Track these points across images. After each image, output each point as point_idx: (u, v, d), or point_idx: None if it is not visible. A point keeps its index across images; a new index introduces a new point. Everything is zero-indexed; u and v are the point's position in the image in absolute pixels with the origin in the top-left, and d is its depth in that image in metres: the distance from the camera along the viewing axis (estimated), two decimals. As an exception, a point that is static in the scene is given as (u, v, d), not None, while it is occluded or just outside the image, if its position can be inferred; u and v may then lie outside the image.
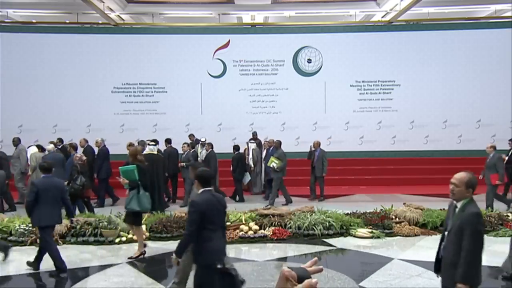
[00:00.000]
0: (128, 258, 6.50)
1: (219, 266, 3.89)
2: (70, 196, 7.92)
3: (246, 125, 14.48)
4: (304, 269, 1.23)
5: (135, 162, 6.75)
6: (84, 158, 8.23)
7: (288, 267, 1.23)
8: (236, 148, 11.71)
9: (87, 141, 11.25)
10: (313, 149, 11.57)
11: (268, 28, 15.34)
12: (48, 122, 14.03)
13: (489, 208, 8.98)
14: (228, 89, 14.46)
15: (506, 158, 10.98)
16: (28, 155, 10.77)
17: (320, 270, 1.27)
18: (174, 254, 4.06)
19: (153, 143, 10.02)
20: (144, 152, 9.76)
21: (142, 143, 10.94)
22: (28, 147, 11.22)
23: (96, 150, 11.04)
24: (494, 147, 9.55)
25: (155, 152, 9.84)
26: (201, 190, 4.07)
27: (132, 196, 6.48)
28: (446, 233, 3.55)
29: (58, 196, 5.91)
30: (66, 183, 8.08)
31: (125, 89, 14.44)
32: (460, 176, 3.47)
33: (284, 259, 6.61)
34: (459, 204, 3.45)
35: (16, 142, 11.09)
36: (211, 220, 3.95)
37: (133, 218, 6.59)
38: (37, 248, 6.94)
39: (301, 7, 15.34)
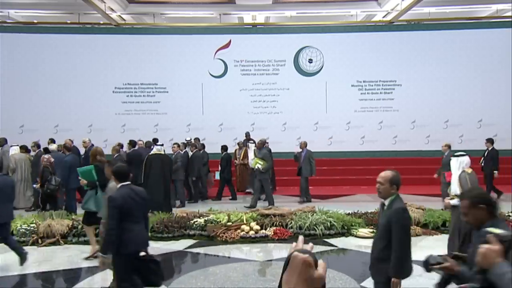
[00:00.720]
0: (84, 258, 6.50)
1: (142, 254, 4.17)
2: (47, 196, 7.97)
3: (247, 125, 14.47)
4: (310, 251, 1.21)
5: (94, 163, 6.75)
6: (52, 160, 8.18)
7: (296, 251, 1.20)
8: (224, 148, 11.77)
9: (91, 141, 11.34)
10: (299, 150, 11.37)
11: (269, 28, 15.34)
12: (49, 122, 14.04)
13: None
14: (229, 89, 14.47)
15: (483, 158, 11.08)
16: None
17: (312, 248, 1.26)
18: (100, 254, 4.22)
19: (160, 143, 10.17)
20: (152, 153, 9.86)
21: (149, 144, 10.95)
22: (11, 147, 11.03)
23: (82, 151, 10.86)
24: (449, 146, 9.98)
25: (162, 152, 9.85)
26: (119, 185, 4.31)
27: (90, 196, 6.48)
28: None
29: (11, 194, 6.28)
30: (38, 185, 8.11)
31: (126, 89, 14.46)
32: (384, 174, 3.53)
33: (285, 259, 6.61)
34: (386, 202, 3.51)
35: (2, 142, 10.96)
36: (131, 213, 4.19)
37: (88, 218, 6.54)
38: (38, 248, 6.97)
39: (302, 7, 15.34)
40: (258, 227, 7.64)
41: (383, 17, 15.68)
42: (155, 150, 9.86)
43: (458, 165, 5.77)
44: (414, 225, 7.85)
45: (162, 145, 10.12)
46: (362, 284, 5.39)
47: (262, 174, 10.22)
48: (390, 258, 3.40)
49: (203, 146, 11.83)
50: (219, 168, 11.61)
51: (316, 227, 7.56)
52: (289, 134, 14.32)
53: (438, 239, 7.43)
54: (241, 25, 16.18)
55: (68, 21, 16.01)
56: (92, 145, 11.04)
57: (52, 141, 11.39)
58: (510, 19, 14.27)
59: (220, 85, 14.48)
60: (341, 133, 14.35)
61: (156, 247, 7.09)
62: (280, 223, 7.78)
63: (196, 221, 7.77)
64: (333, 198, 11.55)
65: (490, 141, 11.43)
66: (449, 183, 9.06)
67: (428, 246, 7.04)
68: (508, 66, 13.94)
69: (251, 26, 15.56)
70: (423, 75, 14.31)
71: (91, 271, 6.13)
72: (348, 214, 8.29)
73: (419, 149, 14.26)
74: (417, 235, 7.55)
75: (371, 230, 7.61)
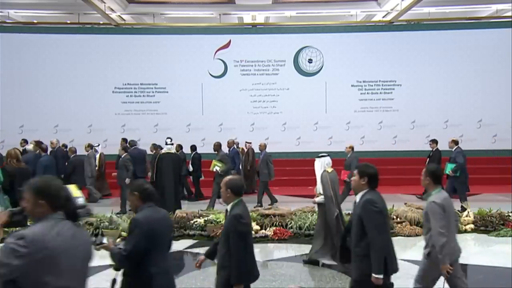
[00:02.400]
0: None
1: None
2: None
3: (247, 125, 14.49)
4: None
5: (8, 165, 6.75)
6: None
7: None
8: (193, 148, 11.69)
9: (59, 142, 11.46)
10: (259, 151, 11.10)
11: (269, 28, 15.34)
12: (49, 122, 14.05)
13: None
14: (229, 89, 14.47)
15: (428, 158, 11.12)
16: None
17: None
18: None
19: (170, 142, 10.10)
20: (162, 151, 9.92)
21: (133, 143, 10.84)
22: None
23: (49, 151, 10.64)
24: (352, 148, 10.06)
25: (173, 151, 9.93)
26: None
27: None
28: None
29: None
30: None
31: (126, 89, 14.46)
32: (224, 179, 3.55)
33: (285, 259, 6.61)
34: (228, 207, 3.52)
35: None
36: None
37: None
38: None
39: (302, 7, 15.34)
40: (258, 227, 7.64)
41: (383, 17, 15.68)
42: (165, 149, 9.93)
43: (321, 165, 5.95)
44: (414, 225, 7.86)
45: (172, 144, 10.16)
46: (362, 284, 5.38)
47: (220, 176, 9.24)
48: (231, 264, 3.40)
49: (180, 147, 11.71)
50: (191, 168, 11.47)
51: (316, 227, 7.55)
52: (289, 134, 14.33)
53: (438, 239, 7.42)
54: (241, 25, 16.18)
55: (68, 21, 16.01)
56: (60, 146, 11.01)
57: (25, 141, 11.30)
58: (510, 19, 14.28)
59: (220, 85, 14.49)
60: (341, 133, 14.35)
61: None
62: (280, 223, 7.78)
63: (196, 221, 7.77)
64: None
65: (434, 141, 11.44)
66: (348, 182, 9.21)
67: (428, 246, 7.04)
68: (508, 66, 13.94)
69: (251, 26, 15.56)
70: (423, 75, 14.32)
71: (91, 271, 6.12)
72: (348, 214, 8.26)
73: (419, 149, 14.24)
74: (417, 235, 7.55)
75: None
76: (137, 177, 9.79)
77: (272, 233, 7.49)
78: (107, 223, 7.52)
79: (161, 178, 9.51)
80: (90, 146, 10.87)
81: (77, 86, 14.20)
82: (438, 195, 3.94)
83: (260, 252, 6.92)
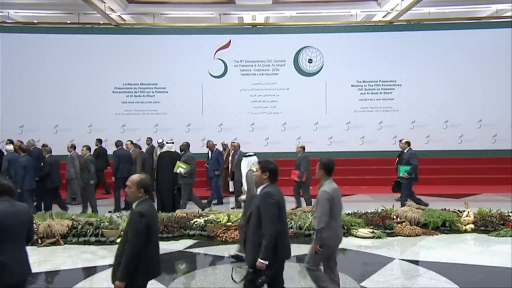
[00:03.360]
0: None
1: None
2: None
3: (247, 125, 14.50)
4: None
5: None
6: None
7: None
8: (161, 146, 11.56)
9: (100, 141, 11.71)
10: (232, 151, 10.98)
11: (269, 28, 15.34)
12: (49, 122, 14.05)
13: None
14: (229, 89, 14.47)
15: (397, 159, 11.15)
16: None
17: None
18: None
19: (171, 141, 10.19)
20: (163, 150, 10.04)
21: (119, 144, 10.84)
22: None
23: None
24: (303, 148, 9.96)
25: (173, 150, 9.99)
26: None
27: None
28: None
29: None
30: None
31: (126, 89, 14.46)
32: (132, 178, 3.57)
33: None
34: (134, 205, 3.55)
35: None
36: None
37: None
38: (38, 248, 6.97)
39: (302, 7, 15.34)
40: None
41: (383, 17, 15.68)
42: (165, 148, 10.01)
43: (247, 165, 6.19)
44: (414, 225, 7.86)
45: (173, 143, 10.19)
46: (362, 284, 5.39)
47: (184, 178, 9.42)
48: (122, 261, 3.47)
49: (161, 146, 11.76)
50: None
51: (316, 227, 7.55)
52: (289, 134, 14.32)
53: (438, 239, 7.43)
54: (241, 25, 16.18)
55: (68, 21, 16.02)
56: (36, 146, 10.97)
57: (10, 141, 11.26)
58: (510, 19, 14.29)
59: (220, 85, 14.49)
60: (341, 133, 14.36)
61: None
62: (280, 223, 7.78)
63: (196, 221, 7.77)
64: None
65: (407, 143, 11.35)
66: (301, 182, 9.43)
67: (428, 246, 7.05)
68: (508, 66, 13.95)
69: (251, 26, 15.56)
70: (423, 75, 14.32)
71: (91, 271, 6.13)
72: (348, 214, 8.28)
73: (419, 149, 14.21)
74: (417, 235, 7.55)
75: (371, 230, 7.61)
76: (124, 176, 9.88)
77: (272, 233, 7.48)
78: (107, 223, 7.52)
79: (161, 176, 9.68)
80: (73, 147, 10.81)
81: (77, 86, 14.20)
82: (329, 185, 4.39)
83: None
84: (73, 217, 7.94)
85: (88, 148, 9.94)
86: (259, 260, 3.73)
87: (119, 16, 15.68)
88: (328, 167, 4.45)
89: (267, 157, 9.98)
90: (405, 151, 9.70)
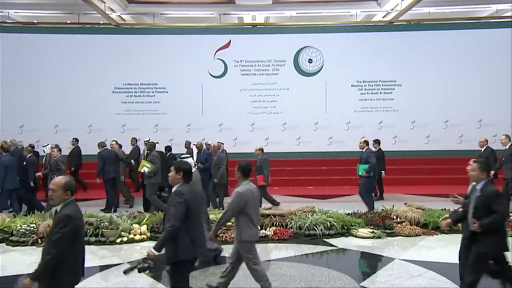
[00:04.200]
0: None
1: None
2: None
3: (247, 125, 14.50)
4: None
5: None
6: None
7: None
8: (168, 149, 11.45)
9: (77, 141, 11.65)
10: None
11: (269, 28, 15.34)
12: (49, 122, 14.06)
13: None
14: (229, 89, 14.47)
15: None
16: None
17: None
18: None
19: (156, 142, 10.30)
20: (157, 150, 10.08)
21: (103, 145, 10.82)
22: None
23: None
24: (261, 149, 9.81)
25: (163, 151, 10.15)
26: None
27: None
28: None
29: None
30: None
31: (126, 89, 14.46)
32: (58, 181, 3.48)
33: (285, 259, 6.60)
34: (58, 208, 3.51)
35: None
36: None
37: None
38: (38, 248, 6.97)
39: (302, 7, 15.34)
40: (258, 227, 7.63)
41: (383, 17, 15.69)
42: (157, 148, 10.12)
43: None
44: (414, 225, 7.86)
45: (158, 142, 10.38)
46: (362, 284, 5.39)
47: (148, 178, 9.24)
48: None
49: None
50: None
51: (316, 227, 7.56)
52: (289, 134, 14.32)
53: (438, 239, 7.43)
54: (241, 25, 16.18)
55: (68, 21, 16.02)
56: (17, 146, 10.95)
57: (5, 142, 11.28)
58: (510, 19, 14.28)
59: (220, 85, 14.49)
60: (341, 133, 14.35)
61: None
62: (280, 223, 7.78)
63: (196, 221, 7.76)
64: (333, 198, 11.55)
65: (377, 142, 11.46)
66: (262, 187, 9.20)
67: (428, 246, 7.04)
68: (508, 66, 13.95)
69: (251, 26, 15.56)
70: (423, 75, 14.32)
71: (92, 271, 6.13)
72: (348, 214, 8.29)
73: (419, 149, 14.26)
74: (417, 235, 7.55)
75: (371, 230, 7.61)
76: (111, 177, 10.04)
77: (272, 233, 7.49)
78: (107, 223, 7.52)
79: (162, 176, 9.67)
80: (56, 147, 10.77)
81: (77, 86, 14.21)
82: (244, 186, 4.71)
83: (260, 252, 6.91)
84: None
85: (60, 150, 9.83)
86: (151, 248, 3.98)
87: (119, 16, 15.69)
88: (245, 170, 4.78)
89: (268, 157, 9.99)
90: (364, 150, 9.71)
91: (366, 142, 9.83)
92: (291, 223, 7.75)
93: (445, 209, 8.57)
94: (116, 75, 14.35)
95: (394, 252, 6.76)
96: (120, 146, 11.78)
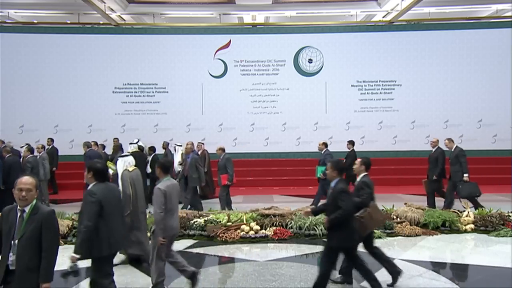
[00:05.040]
0: None
1: None
2: None
3: (247, 125, 14.50)
4: None
5: None
6: None
7: None
8: (153, 149, 11.33)
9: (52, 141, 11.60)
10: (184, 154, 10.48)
11: (269, 28, 15.35)
12: (49, 122, 14.06)
13: (226, 207, 9.25)
14: (229, 89, 14.48)
15: (344, 160, 11.13)
16: None
17: None
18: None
19: (136, 142, 10.45)
20: (131, 150, 10.08)
21: (88, 145, 10.81)
22: None
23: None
24: (222, 149, 9.81)
25: (137, 150, 10.20)
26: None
27: None
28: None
29: None
30: None
31: (126, 89, 14.46)
32: (31, 181, 3.41)
33: (285, 259, 6.60)
34: (26, 209, 3.42)
35: None
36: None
37: None
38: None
39: (302, 7, 15.34)
40: (258, 227, 7.63)
41: (383, 17, 15.69)
42: (133, 147, 10.17)
43: (123, 165, 6.36)
44: (414, 225, 7.86)
45: (137, 142, 10.47)
46: (362, 284, 5.39)
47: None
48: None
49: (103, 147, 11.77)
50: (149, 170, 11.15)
51: (316, 227, 7.55)
52: (289, 134, 14.33)
53: (438, 239, 7.43)
54: (241, 25, 16.18)
55: (68, 21, 16.02)
56: (4, 146, 10.95)
57: (2, 142, 11.28)
58: (510, 19, 14.29)
59: (220, 85, 14.49)
60: (341, 133, 14.35)
61: (156, 247, 7.09)
62: (280, 223, 7.78)
63: (196, 221, 7.77)
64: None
65: (351, 142, 11.47)
66: (225, 186, 9.33)
67: (428, 246, 7.04)
68: (508, 66, 13.96)
69: (251, 26, 15.56)
70: (423, 75, 14.32)
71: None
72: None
73: (419, 149, 14.25)
74: (417, 235, 7.55)
75: (371, 230, 7.60)
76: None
77: (272, 233, 7.48)
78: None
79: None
80: (42, 147, 10.70)
81: (77, 86, 14.21)
82: (164, 182, 4.87)
83: (260, 252, 6.92)
84: (73, 217, 7.94)
85: (29, 150, 9.79)
86: (72, 254, 4.06)
87: (119, 16, 15.69)
88: (165, 167, 5.02)
89: (267, 157, 10.02)
90: (322, 152, 9.81)
91: (325, 144, 9.99)
92: (291, 223, 7.74)
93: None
94: (116, 75, 14.35)
95: (394, 252, 6.75)
96: (103, 146, 11.73)
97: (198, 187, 10.10)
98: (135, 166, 8.72)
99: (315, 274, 5.76)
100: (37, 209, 3.41)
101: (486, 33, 14.29)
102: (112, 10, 14.76)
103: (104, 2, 13.98)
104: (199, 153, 11.07)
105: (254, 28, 15.43)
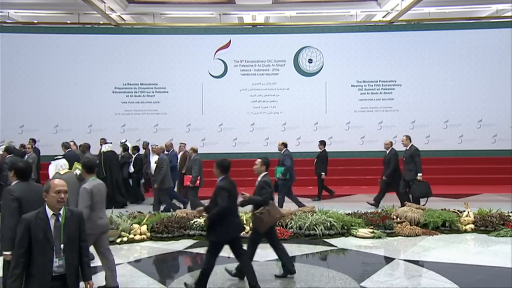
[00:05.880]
0: None
1: None
2: None
3: (247, 125, 14.50)
4: None
5: None
6: None
7: None
8: (136, 149, 11.44)
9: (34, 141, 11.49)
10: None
11: (269, 28, 15.34)
12: (49, 122, 14.06)
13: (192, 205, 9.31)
14: (229, 89, 14.47)
15: (316, 159, 11.39)
16: None
17: None
18: None
19: (109, 141, 10.86)
20: (104, 150, 10.56)
21: (67, 145, 10.79)
22: None
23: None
24: (194, 150, 9.84)
25: (112, 149, 10.60)
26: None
27: None
28: None
29: None
30: None
31: (126, 89, 14.45)
32: (62, 182, 3.47)
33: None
34: None
35: None
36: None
37: None
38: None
39: (302, 7, 15.34)
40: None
41: (383, 17, 15.69)
42: (107, 147, 10.53)
43: (55, 167, 6.46)
44: (414, 225, 7.86)
45: (111, 143, 10.82)
46: (362, 284, 5.39)
47: (79, 181, 9.31)
48: None
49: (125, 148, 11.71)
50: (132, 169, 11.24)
51: (316, 227, 7.56)
52: (289, 134, 14.31)
53: (438, 239, 7.43)
54: (241, 25, 16.18)
55: (68, 21, 16.02)
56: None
57: None
58: (510, 19, 14.28)
59: (220, 85, 14.48)
60: (341, 133, 14.36)
61: (156, 247, 7.10)
62: (280, 223, 7.78)
63: (196, 221, 7.77)
64: (333, 198, 11.55)
65: (322, 143, 11.51)
66: (191, 189, 9.43)
67: (428, 246, 7.04)
68: (508, 66, 13.95)
69: (251, 26, 15.56)
70: (423, 75, 14.32)
71: (91, 271, 6.12)
72: (348, 214, 8.29)
73: (419, 149, 14.23)
74: (417, 235, 7.56)
75: (371, 230, 7.61)
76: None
77: (272, 233, 7.48)
78: (107, 223, 7.51)
79: (110, 175, 10.25)
80: (22, 146, 10.65)
81: (77, 86, 14.20)
82: (90, 182, 5.00)
83: (260, 252, 6.91)
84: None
85: (6, 150, 9.74)
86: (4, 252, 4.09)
87: (119, 16, 15.68)
88: (87, 166, 5.13)
89: (267, 156, 9.99)
90: (282, 152, 9.79)
91: (285, 144, 9.96)
92: (291, 223, 7.75)
93: (445, 209, 8.58)
94: (116, 75, 14.34)
95: (394, 252, 6.76)
96: (77, 147, 11.52)
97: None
98: (102, 167, 8.60)
99: (315, 274, 5.77)
100: (70, 211, 3.44)
101: (486, 33, 14.28)
102: (112, 10, 14.76)
103: (104, 2, 13.97)
104: (179, 154, 11.08)
105: (254, 28, 15.43)
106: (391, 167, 9.89)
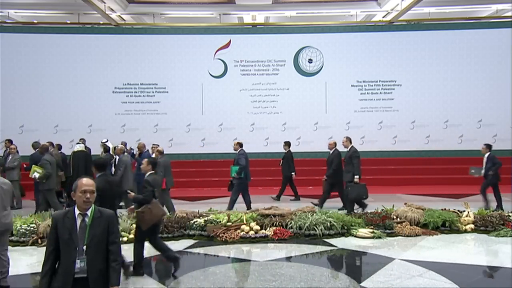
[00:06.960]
0: None
1: None
2: None
3: (247, 125, 14.50)
4: None
5: None
6: None
7: None
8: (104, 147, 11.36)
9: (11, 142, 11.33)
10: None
11: (269, 28, 15.35)
12: (49, 122, 14.06)
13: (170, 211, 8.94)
14: (229, 89, 14.48)
15: (281, 160, 11.47)
16: None
17: None
18: None
19: (81, 141, 10.90)
20: (75, 149, 10.50)
21: (45, 147, 10.77)
22: None
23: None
24: (159, 152, 9.68)
25: (84, 149, 10.56)
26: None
27: None
28: None
29: None
30: None
31: (126, 89, 14.46)
32: (89, 182, 3.36)
33: (285, 259, 6.61)
34: None
35: None
36: None
37: None
38: (38, 248, 6.95)
39: (302, 7, 15.34)
40: (258, 227, 7.63)
41: (383, 17, 15.69)
42: (78, 147, 10.46)
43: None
44: (414, 225, 7.86)
45: (83, 142, 10.95)
46: (362, 284, 5.39)
47: (42, 184, 8.77)
48: None
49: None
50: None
51: (316, 227, 7.55)
52: (289, 134, 14.30)
53: (438, 239, 7.43)
54: (241, 25, 16.18)
55: (68, 21, 16.02)
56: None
57: None
58: (510, 19, 14.29)
59: (220, 85, 14.49)
60: (341, 133, 14.25)
61: (156, 247, 7.09)
62: (280, 223, 7.78)
63: (196, 221, 7.77)
64: (333, 198, 11.54)
65: (287, 144, 11.55)
66: (163, 190, 9.16)
67: (428, 246, 7.04)
68: (508, 66, 13.96)
69: (251, 26, 15.56)
70: (423, 75, 14.32)
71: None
72: (348, 214, 8.29)
73: (419, 149, 14.27)
74: (417, 235, 7.55)
75: (371, 230, 7.61)
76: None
77: (272, 233, 7.48)
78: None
79: (77, 175, 9.65)
80: (15, 149, 10.53)
81: (77, 86, 14.21)
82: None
83: (260, 252, 6.92)
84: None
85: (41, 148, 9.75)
86: None
87: (119, 16, 15.69)
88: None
89: (267, 157, 10.01)
90: (237, 151, 9.79)
91: (240, 144, 9.94)
92: (291, 223, 7.74)
93: (445, 209, 8.57)
94: (116, 75, 14.35)
95: (394, 252, 6.75)
96: (59, 146, 11.38)
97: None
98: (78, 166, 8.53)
99: (315, 274, 5.77)
100: (100, 211, 3.27)
101: (486, 33, 14.29)
102: (112, 10, 14.76)
103: (104, 2, 13.97)
104: (153, 155, 10.99)
105: (254, 28, 15.43)
106: (333, 167, 9.84)
